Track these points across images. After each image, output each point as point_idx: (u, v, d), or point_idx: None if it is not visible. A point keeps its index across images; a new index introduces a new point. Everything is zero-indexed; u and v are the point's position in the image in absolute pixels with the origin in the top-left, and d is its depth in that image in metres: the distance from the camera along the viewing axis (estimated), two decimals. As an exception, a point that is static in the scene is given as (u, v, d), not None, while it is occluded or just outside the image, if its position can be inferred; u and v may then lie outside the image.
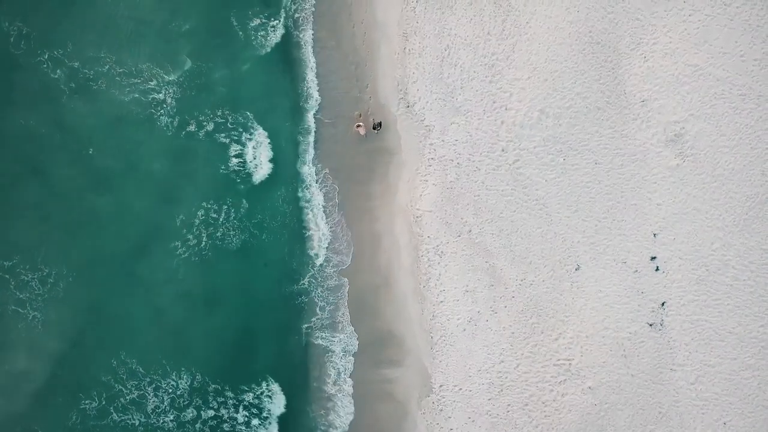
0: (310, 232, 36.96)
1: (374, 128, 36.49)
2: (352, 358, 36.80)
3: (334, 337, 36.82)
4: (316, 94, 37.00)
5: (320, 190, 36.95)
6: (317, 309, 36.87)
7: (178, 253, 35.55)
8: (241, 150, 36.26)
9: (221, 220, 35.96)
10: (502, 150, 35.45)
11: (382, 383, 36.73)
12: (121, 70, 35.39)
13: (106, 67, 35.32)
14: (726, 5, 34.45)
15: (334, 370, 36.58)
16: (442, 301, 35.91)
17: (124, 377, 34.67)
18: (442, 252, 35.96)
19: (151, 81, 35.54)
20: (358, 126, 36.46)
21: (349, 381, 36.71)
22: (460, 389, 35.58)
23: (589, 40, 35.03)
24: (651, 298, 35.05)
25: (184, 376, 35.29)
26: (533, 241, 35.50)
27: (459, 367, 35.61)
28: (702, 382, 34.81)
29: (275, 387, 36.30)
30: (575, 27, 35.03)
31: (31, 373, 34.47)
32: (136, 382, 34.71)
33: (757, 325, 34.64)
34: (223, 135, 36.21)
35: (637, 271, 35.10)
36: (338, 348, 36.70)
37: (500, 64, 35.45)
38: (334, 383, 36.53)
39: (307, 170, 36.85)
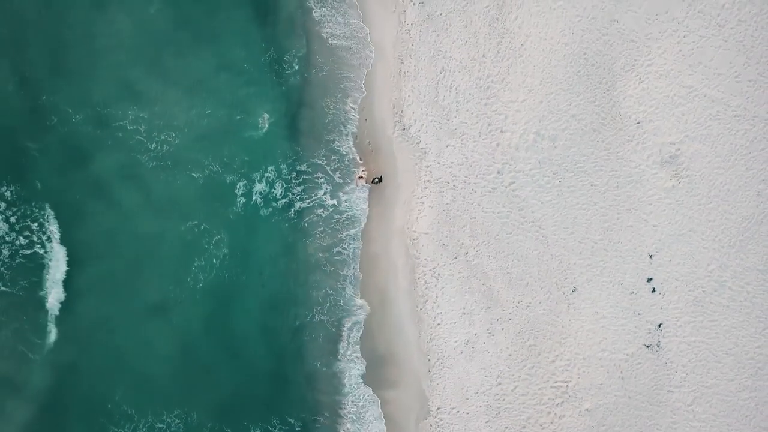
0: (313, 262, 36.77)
1: (374, 182, 36.50)
2: (370, 390, 36.27)
3: (341, 365, 36.44)
4: (313, 117, 36.94)
5: (323, 215, 36.77)
6: (322, 338, 36.47)
7: (172, 295, 35.18)
8: (249, 187, 35.85)
9: (218, 264, 35.50)
10: (498, 172, 35.47)
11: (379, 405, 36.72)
12: (107, 110, 34.75)
13: (96, 108, 34.77)
14: (720, 26, 34.55)
15: (348, 404, 36.21)
16: (439, 324, 35.90)
17: (121, 421, 34.32)
18: (438, 274, 35.97)
19: (141, 125, 35.04)
20: (360, 177, 36.52)
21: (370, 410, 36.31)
22: (458, 412, 35.57)
23: (584, 62, 35.09)
24: (648, 319, 35.08)
25: (185, 417, 34.88)
26: (530, 263, 35.51)
27: (456, 390, 35.59)
28: (699, 404, 34.84)
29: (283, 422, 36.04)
30: (570, 49, 35.08)
31: (24, 411, 34.05)
32: (133, 425, 34.36)
33: (753, 345, 34.69)
34: (229, 174, 35.74)
35: (633, 292, 35.13)
36: (349, 377, 36.21)
37: (495, 87, 35.49)
38: (348, 415, 36.16)
39: (308, 200, 36.66)
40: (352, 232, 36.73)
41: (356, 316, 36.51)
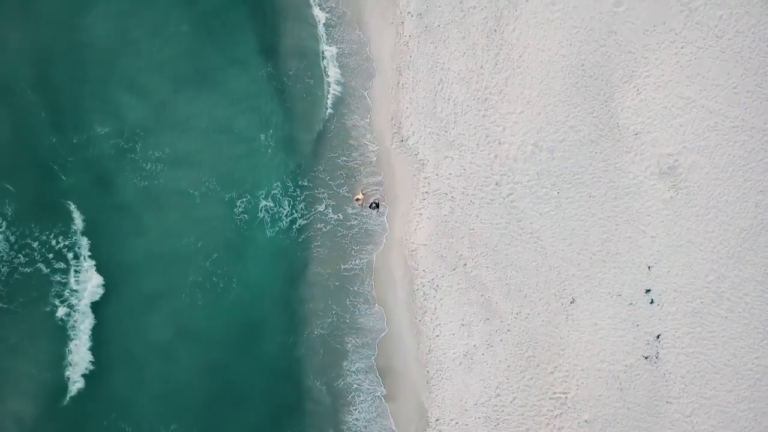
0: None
1: (371, 207, 36.44)
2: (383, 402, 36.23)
3: (349, 379, 36.34)
4: (318, 132, 36.94)
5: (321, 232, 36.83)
6: (324, 353, 36.48)
7: (167, 310, 35.29)
8: (254, 204, 35.80)
9: (221, 282, 35.50)
10: (496, 183, 35.50)
11: (378, 416, 36.80)
12: (107, 131, 35.04)
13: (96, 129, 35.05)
14: (718, 37, 34.53)
15: (353, 421, 36.15)
16: (438, 335, 35.93)
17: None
18: (437, 286, 36.00)
19: (137, 142, 35.15)
20: (357, 198, 36.50)
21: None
22: (457, 423, 35.61)
23: (582, 73, 35.10)
24: (646, 330, 35.09)
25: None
26: (528, 274, 35.53)
27: (455, 401, 35.63)
28: (698, 415, 34.85)
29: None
30: (568, 60, 35.08)
31: (17, 424, 34.01)
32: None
33: (752, 356, 34.68)
34: (234, 191, 35.86)
35: (632, 303, 35.14)
36: (358, 392, 36.10)
37: (493, 98, 35.51)
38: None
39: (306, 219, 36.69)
40: (369, 247, 36.66)
41: (369, 332, 36.45)
